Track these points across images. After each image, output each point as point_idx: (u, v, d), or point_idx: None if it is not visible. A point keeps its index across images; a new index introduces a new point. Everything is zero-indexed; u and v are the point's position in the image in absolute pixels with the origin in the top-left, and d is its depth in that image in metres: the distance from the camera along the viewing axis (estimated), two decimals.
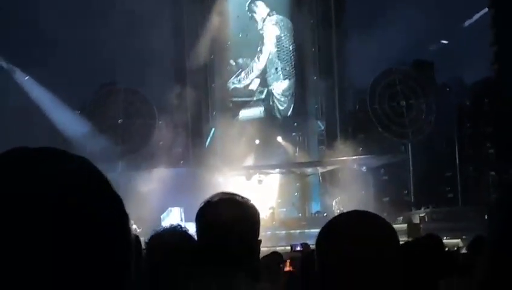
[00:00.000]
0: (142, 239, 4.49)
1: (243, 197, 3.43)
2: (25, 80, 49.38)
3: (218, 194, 3.43)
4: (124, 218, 1.29)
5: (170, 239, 4.38)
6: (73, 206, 1.17)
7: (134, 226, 42.60)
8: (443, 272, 5.11)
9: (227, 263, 3.23)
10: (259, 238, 3.46)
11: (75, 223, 1.16)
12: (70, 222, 1.16)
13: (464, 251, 34.53)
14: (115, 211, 1.28)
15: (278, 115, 51.47)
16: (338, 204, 45.80)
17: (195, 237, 3.80)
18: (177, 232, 4.45)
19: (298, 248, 20.35)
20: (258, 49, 51.19)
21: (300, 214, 49.95)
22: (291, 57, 51.54)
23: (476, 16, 50.18)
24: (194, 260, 3.49)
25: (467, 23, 50.80)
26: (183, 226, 4.58)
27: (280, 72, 51.23)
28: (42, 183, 1.16)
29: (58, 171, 1.20)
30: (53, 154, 1.25)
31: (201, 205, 3.39)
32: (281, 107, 51.48)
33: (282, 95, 51.56)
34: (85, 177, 1.24)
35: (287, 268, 11.47)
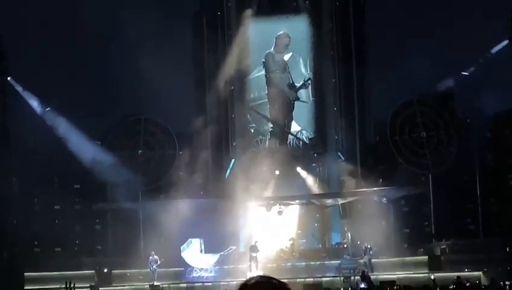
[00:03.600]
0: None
1: (279, 281, 3.51)
2: (45, 111, 49.71)
3: (255, 277, 3.52)
4: None
5: None
6: None
7: (156, 257, 42.66)
8: None
9: None
10: None
11: None
12: None
13: (484, 282, 34.16)
14: None
15: (297, 145, 51.28)
16: (352, 236, 45.66)
17: None
18: None
19: None
20: (278, 79, 51.23)
21: (320, 245, 49.71)
22: (311, 88, 51.49)
23: (496, 48, 50.09)
24: None
25: (486, 55, 50.71)
26: None
27: (300, 103, 51.15)
28: None
29: None
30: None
31: (239, 286, 3.48)
32: (300, 137, 51.33)
33: (301, 124, 51.47)
34: None
35: None
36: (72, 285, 26.32)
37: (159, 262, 42.80)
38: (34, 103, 49.74)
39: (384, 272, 41.45)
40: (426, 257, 44.15)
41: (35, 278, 43.34)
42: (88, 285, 40.31)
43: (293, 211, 48.93)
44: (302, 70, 51.51)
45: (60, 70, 50.16)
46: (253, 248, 42.96)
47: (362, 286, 34.15)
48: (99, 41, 50.29)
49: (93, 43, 50.92)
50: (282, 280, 3.55)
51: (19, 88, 49.64)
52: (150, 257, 43.08)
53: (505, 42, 49.78)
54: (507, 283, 30.91)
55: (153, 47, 47.23)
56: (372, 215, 44.37)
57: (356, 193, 47.59)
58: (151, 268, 42.77)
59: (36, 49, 49.93)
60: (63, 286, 38.75)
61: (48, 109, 49.73)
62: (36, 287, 41.50)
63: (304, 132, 51.29)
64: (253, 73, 51.18)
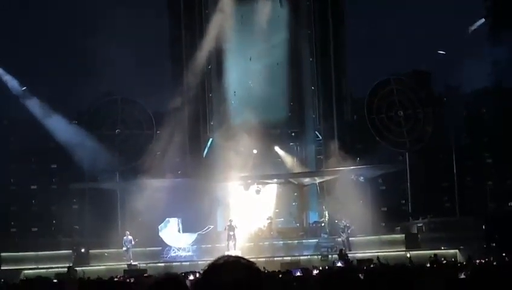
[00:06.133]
0: None
1: (248, 260, 3.50)
2: (21, 90, 49.29)
3: (223, 256, 3.51)
4: None
5: None
6: None
7: (130, 237, 42.57)
8: None
9: None
10: None
11: None
12: None
13: (460, 260, 34.34)
14: None
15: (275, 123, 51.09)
16: (330, 214, 45.81)
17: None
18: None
19: (298, 274, 19.09)
20: (255, 58, 51.00)
21: (298, 224, 49.87)
22: (288, 66, 51.31)
23: (473, 27, 50.22)
24: None
25: (465, 33, 50.87)
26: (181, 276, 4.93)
27: (277, 82, 50.91)
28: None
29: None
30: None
31: (207, 267, 3.46)
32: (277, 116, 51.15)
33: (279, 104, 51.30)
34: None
35: None
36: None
37: (133, 242, 42.72)
38: (10, 82, 49.29)
39: (361, 251, 41.66)
40: (403, 235, 44.40)
41: (12, 258, 43.17)
42: (67, 265, 40.11)
43: (271, 190, 49.01)
44: None
45: (36, 49, 49.75)
46: (229, 227, 43.05)
47: (339, 264, 34.26)
48: (75, 21, 49.94)
49: (69, 22, 50.57)
50: (260, 259, 3.55)
51: None
52: (124, 237, 42.96)
53: (482, 21, 49.95)
54: (483, 260, 31.17)
55: (129, 26, 46.98)
56: (349, 194, 44.50)
57: (334, 171, 47.70)
58: (125, 248, 42.63)
59: (12, 28, 49.48)
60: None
61: (24, 88, 49.33)
62: (13, 268, 41.31)
63: None
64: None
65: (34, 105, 48.72)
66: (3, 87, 48.98)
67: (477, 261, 30.08)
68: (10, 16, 50.25)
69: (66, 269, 38.93)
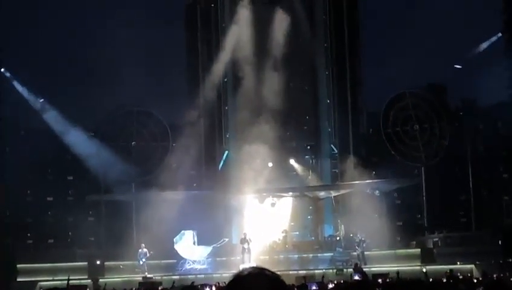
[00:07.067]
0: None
1: (273, 272, 3.52)
2: (39, 102, 49.57)
3: (248, 268, 3.53)
4: None
5: None
6: None
7: (145, 250, 42.57)
8: None
9: None
10: None
11: None
12: None
13: (476, 275, 34.18)
14: None
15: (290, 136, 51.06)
16: (345, 228, 45.68)
17: None
18: None
19: (314, 288, 19.19)
20: (271, 72, 51.05)
21: (313, 238, 49.78)
22: (304, 79, 51.37)
23: (489, 41, 50.12)
24: None
25: (480, 47, 50.77)
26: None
27: (293, 95, 50.89)
28: None
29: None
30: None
31: (231, 277, 3.49)
32: (293, 129, 51.12)
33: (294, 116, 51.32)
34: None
35: None
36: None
37: (148, 255, 42.74)
38: (28, 95, 49.57)
39: (376, 265, 41.54)
40: (419, 250, 44.24)
41: (28, 269, 43.26)
42: (85, 277, 40.07)
43: (286, 203, 48.96)
44: None
45: (53, 62, 50.06)
46: (243, 240, 43.00)
47: (356, 277, 34.16)
48: (93, 34, 50.24)
49: (86, 35, 50.88)
50: (275, 272, 3.54)
51: (12, 79, 49.49)
52: (140, 250, 42.96)
53: (498, 35, 49.83)
54: (499, 276, 30.98)
55: (147, 39, 47.21)
56: (365, 207, 44.42)
57: (349, 185, 47.62)
58: (141, 261, 42.62)
59: (29, 41, 49.83)
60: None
61: (42, 100, 49.62)
62: (29, 279, 41.42)
63: None
64: None
65: (51, 117, 48.97)
66: (21, 98, 49.29)
67: (495, 275, 29.92)
68: (29, 29, 50.62)
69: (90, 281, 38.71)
